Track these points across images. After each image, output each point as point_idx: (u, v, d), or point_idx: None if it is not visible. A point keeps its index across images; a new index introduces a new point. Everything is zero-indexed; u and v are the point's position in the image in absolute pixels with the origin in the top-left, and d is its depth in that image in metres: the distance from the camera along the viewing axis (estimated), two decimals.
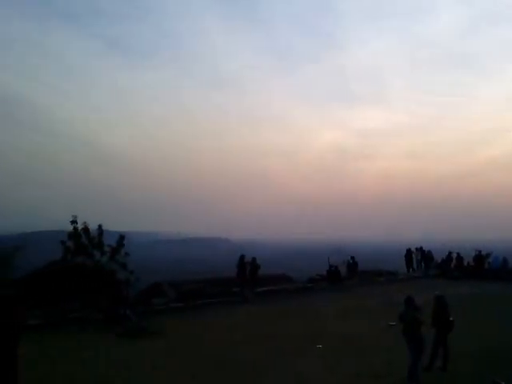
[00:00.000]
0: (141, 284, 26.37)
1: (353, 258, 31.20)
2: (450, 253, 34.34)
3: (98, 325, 16.86)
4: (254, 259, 24.82)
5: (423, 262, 35.01)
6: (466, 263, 33.64)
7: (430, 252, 35.55)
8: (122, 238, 26.40)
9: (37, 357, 12.32)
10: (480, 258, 33.02)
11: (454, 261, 34.03)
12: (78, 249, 25.37)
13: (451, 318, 11.37)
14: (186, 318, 18.73)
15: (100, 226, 26.02)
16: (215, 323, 17.61)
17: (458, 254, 34.39)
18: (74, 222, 25.60)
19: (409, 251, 35.10)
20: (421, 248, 35.57)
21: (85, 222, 25.77)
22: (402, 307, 10.63)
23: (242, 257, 24.42)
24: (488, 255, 33.68)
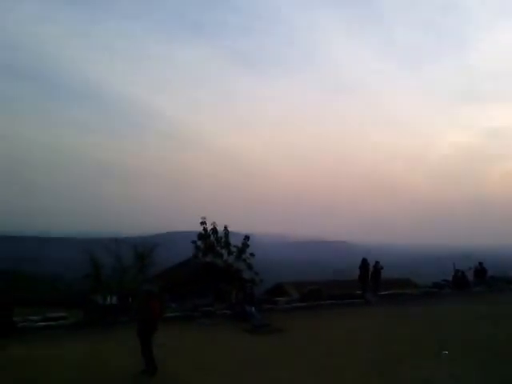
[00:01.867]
0: (265, 284, 27.45)
1: (481, 263, 29.35)
2: None
3: (227, 320, 17.98)
4: (377, 263, 24.51)
5: None
6: None
7: None
8: (246, 238, 27.83)
9: (176, 348, 13.51)
10: None
11: None
12: (208, 248, 27.27)
13: None
14: (308, 317, 19.10)
15: (226, 227, 27.68)
16: (337, 324, 17.77)
17: None
18: (203, 223, 27.58)
19: None
20: None
21: (213, 223, 27.64)
22: None
23: (365, 260, 24.23)
24: None
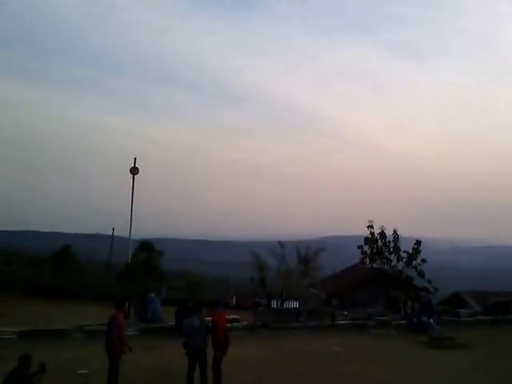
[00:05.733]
0: (439, 292, 25.36)
1: None
2: None
3: (402, 331, 16.84)
4: None
5: None
6: None
7: None
8: (418, 243, 25.91)
9: (351, 358, 12.96)
10: None
11: None
12: (375, 253, 26.01)
13: None
14: (495, 333, 17.02)
15: (395, 231, 26.11)
16: None
17: None
18: (370, 226, 26.40)
19: None
20: None
21: (382, 227, 26.28)
22: None
23: None
24: None
